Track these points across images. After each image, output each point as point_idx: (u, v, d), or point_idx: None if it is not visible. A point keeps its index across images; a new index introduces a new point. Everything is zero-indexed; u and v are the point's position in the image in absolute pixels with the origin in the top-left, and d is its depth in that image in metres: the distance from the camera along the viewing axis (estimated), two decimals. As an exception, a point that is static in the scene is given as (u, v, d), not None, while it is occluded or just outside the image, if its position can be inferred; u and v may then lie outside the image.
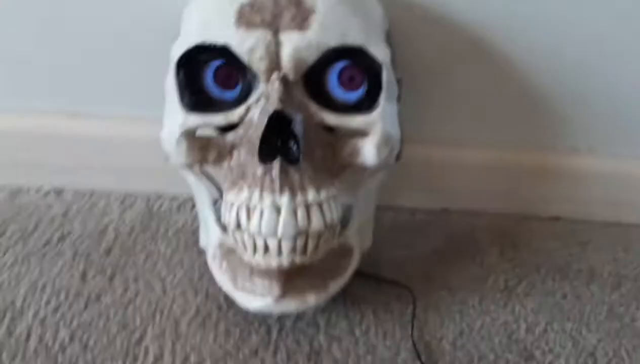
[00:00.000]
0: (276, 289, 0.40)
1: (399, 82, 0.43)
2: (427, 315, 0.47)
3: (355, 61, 0.39)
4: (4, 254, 0.49)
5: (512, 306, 0.48)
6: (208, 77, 0.40)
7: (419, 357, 0.43)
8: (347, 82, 0.40)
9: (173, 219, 0.54)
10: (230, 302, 0.46)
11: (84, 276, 0.48)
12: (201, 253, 0.50)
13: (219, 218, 0.43)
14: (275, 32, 0.38)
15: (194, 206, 0.56)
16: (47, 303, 0.45)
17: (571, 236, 0.57)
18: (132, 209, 0.55)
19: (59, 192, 0.56)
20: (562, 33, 0.51)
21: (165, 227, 0.53)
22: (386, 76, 0.40)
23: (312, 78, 0.40)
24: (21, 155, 0.56)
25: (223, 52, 0.39)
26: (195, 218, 0.55)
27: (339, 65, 0.40)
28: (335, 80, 0.40)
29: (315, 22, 0.38)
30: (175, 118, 0.41)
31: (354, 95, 0.40)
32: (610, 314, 0.49)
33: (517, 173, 0.58)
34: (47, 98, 0.54)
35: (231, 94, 0.40)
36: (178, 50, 0.40)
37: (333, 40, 0.39)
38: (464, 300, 0.49)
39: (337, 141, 0.41)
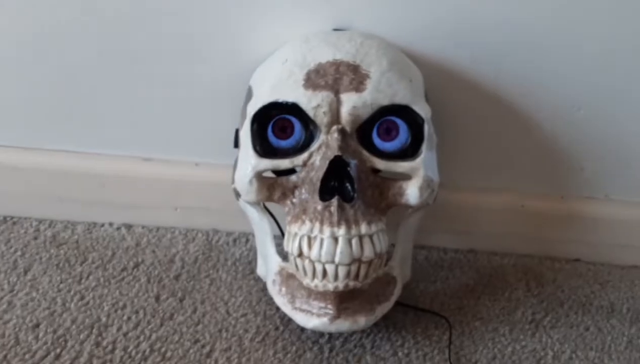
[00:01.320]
0: (332, 310, 0.47)
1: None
2: (462, 342, 0.52)
3: (402, 117, 0.47)
4: (87, 278, 0.56)
5: (540, 336, 0.54)
6: (269, 130, 0.48)
7: (456, 376, 0.48)
8: (384, 134, 0.48)
9: (230, 251, 0.61)
10: (285, 323, 0.52)
11: (157, 298, 0.55)
12: (257, 280, 0.57)
13: (279, 248, 0.50)
14: (337, 93, 0.46)
15: (247, 240, 0.63)
16: (129, 319, 0.52)
17: (592, 276, 0.62)
18: (194, 242, 0.62)
19: (128, 227, 0.64)
20: (581, 92, 0.58)
21: (225, 258, 0.60)
22: (427, 129, 0.48)
23: (364, 131, 0.48)
24: (96, 195, 0.63)
25: (292, 108, 0.47)
26: (249, 250, 0.61)
27: (381, 120, 0.47)
28: (376, 132, 0.48)
29: (369, 85, 0.47)
30: (249, 162, 0.48)
31: (389, 145, 0.48)
32: (629, 345, 0.53)
33: (539, 218, 0.64)
34: (125, 145, 0.63)
35: (285, 143, 0.48)
36: (253, 107, 0.48)
37: (384, 100, 0.47)
38: (495, 329, 0.54)
39: (384, 183, 0.48)
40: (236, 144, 0.54)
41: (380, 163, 0.47)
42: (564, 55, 0.56)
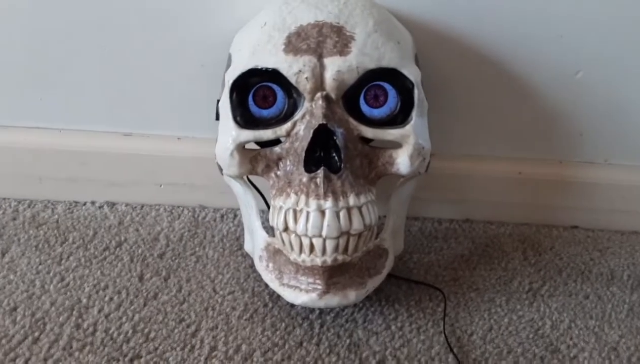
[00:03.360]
0: (320, 285, 0.45)
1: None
2: (458, 313, 0.51)
3: (390, 81, 0.44)
4: (67, 258, 0.54)
5: (537, 305, 0.52)
6: (250, 99, 0.45)
7: (451, 350, 0.47)
8: (371, 100, 0.45)
9: (217, 227, 0.59)
10: (274, 299, 0.50)
11: (141, 277, 0.53)
12: (245, 256, 0.55)
13: (266, 222, 0.47)
14: (320, 57, 0.44)
15: (235, 216, 0.61)
16: (110, 300, 0.50)
17: (591, 243, 0.60)
18: (180, 219, 0.60)
19: (111, 205, 0.61)
20: (579, 54, 0.55)
21: (212, 234, 0.58)
22: (417, 94, 0.45)
23: (351, 97, 0.45)
24: (77, 172, 0.61)
25: (273, 75, 0.44)
26: (237, 226, 0.59)
27: (368, 86, 0.45)
28: (363, 98, 0.45)
29: (354, 48, 0.44)
30: (229, 134, 0.46)
31: (377, 112, 0.45)
32: (630, 313, 0.52)
33: (537, 185, 0.62)
34: (104, 121, 0.60)
35: (268, 112, 0.45)
36: (232, 75, 0.46)
37: (370, 63, 0.44)
38: (492, 299, 0.52)
39: (373, 152, 0.46)
40: (218, 116, 0.52)
41: (368, 131, 0.45)
42: (561, 16, 0.53)
